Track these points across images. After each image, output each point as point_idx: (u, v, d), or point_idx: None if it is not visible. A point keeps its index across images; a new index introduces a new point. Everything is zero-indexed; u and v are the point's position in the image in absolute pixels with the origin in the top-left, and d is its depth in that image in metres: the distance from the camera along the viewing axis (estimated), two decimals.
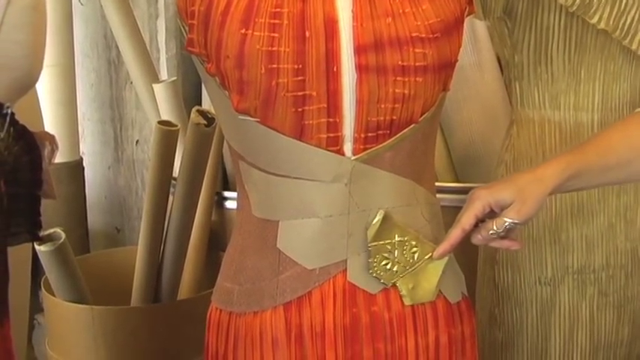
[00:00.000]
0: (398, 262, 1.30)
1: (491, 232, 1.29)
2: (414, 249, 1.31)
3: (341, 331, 1.29)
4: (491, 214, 1.30)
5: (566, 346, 1.62)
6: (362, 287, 1.30)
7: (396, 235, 1.30)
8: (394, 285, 1.31)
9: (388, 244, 1.30)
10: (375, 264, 1.29)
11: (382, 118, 1.25)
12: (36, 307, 2.76)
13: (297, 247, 1.29)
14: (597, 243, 1.60)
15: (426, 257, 1.31)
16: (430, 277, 1.32)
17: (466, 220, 1.29)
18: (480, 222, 1.30)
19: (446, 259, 1.32)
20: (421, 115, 1.28)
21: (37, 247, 2.16)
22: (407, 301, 1.32)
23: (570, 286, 1.60)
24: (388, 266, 1.30)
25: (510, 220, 1.28)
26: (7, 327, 1.37)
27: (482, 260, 1.68)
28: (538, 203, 1.29)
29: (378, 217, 1.28)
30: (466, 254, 1.51)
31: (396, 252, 1.30)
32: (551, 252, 1.60)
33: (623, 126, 1.42)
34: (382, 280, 1.30)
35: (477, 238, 1.31)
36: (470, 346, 1.40)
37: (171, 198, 2.30)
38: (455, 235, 1.29)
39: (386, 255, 1.29)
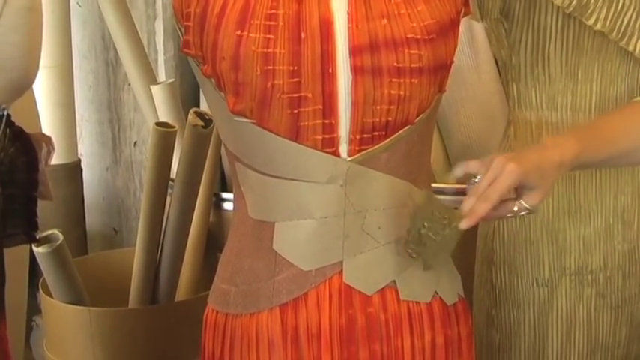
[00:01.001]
0: (431, 236, 1.27)
1: (510, 214, 1.30)
2: (445, 221, 1.27)
3: (337, 333, 1.29)
4: None
5: (564, 348, 1.62)
6: (358, 288, 1.30)
7: (434, 212, 1.27)
8: (390, 286, 1.31)
9: (427, 220, 1.27)
10: (411, 242, 1.28)
11: (378, 120, 1.25)
12: (34, 308, 2.76)
13: (292, 248, 1.29)
14: (594, 244, 1.60)
15: (453, 226, 1.27)
16: (450, 244, 1.30)
17: (497, 195, 1.26)
18: None
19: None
20: (417, 117, 1.29)
21: (34, 248, 2.16)
22: (424, 268, 1.31)
23: (567, 287, 1.60)
24: (422, 241, 1.28)
25: (531, 208, 1.30)
26: (3, 328, 1.38)
27: (479, 261, 1.68)
28: (551, 188, 1.33)
29: (422, 198, 1.27)
30: (463, 255, 1.51)
31: (432, 226, 1.27)
32: (549, 253, 1.60)
33: (625, 115, 1.45)
34: (414, 255, 1.29)
35: (494, 215, 1.29)
36: (466, 347, 1.40)
37: (168, 199, 2.30)
38: (484, 209, 1.26)
39: (423, 232, 1.27)
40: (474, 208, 1.27)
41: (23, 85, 1.35)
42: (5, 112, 1.33)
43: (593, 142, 1.38)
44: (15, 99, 1.36)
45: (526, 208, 1.30)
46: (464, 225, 1.27)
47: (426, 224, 1.27)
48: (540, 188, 1.30)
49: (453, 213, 1.28)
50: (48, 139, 1.46)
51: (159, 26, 2.96)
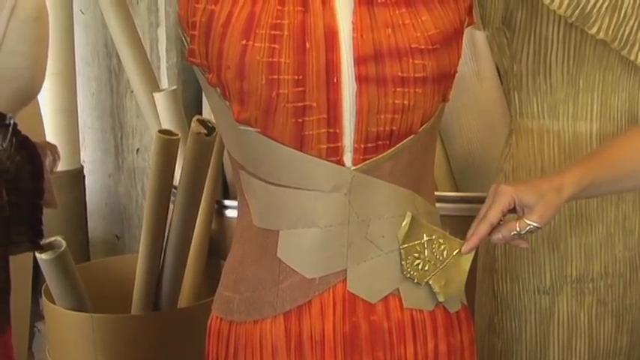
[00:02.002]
0: (428, 260, 1.32)
1: (513, 232, 1.34)
2: (442, 246, 1.33)
3: (340, 340, 1.30)
4: (511, 212, 1.35)
5: (565, 355, 1.62)
6: (362, 296, 1.30)
7: (424, 235, 1.32)
8: (394, 294, 1.32)
9: (417, 244, 1.32)
10: (407, 265, 1.31)
11: (382, 129, 1.26)
12: (36, 314, 2.76)
13: (297, 256, 1.30)
14: (596, 252, 1.60)
15: (455, 253, 1.33)
16: (460, 271, 1.34)
17: (494, 215, 1.34)
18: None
19: (473, 252, 1.34)
20: (420, 126, 1.29)
21: (37, 255, 2.16)
22: (440, 298, 1.33)
23: (569, 295, 1.60)
24: (420, 266, 1.31)
25: (533, 224, 1.33)
26: (8, 334, 1.38)
27: (481, 269, 1.69)
28: (556, 210, 1.36)
29: (407, 220, 1.30)
30: None
31: (426, 251, 1.32)
32: (550, 261, 1.60)
33: (633, 138, 1.46)
34: (415, 280, 1.32)
35: (498, 237, 1.35)
36: (469, 354, 1.40)
37: (171, 206, 2.31)
38: (483, 229, 1.33)
39: (417, 255, 1.31)
40: (475, 230, 1.34)
41: (29, 95, 1.36)
42: (12, 121, 1.34)
43: (597, 163, 1.41)
44: (21, 108, 1.37)
45: (528, 225, 1.34)
46: (465, 248, 1.33)
47: (418, 247, 1.30)
48: (539, 206, 1.33)
49: (450, 239, 1.33)
50: (53, 147, 1.46)
51: (161, 34, 2.97)
